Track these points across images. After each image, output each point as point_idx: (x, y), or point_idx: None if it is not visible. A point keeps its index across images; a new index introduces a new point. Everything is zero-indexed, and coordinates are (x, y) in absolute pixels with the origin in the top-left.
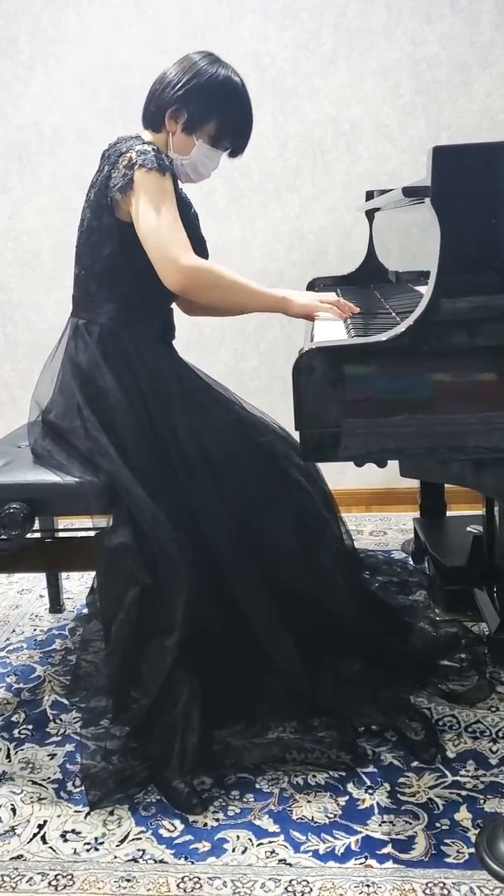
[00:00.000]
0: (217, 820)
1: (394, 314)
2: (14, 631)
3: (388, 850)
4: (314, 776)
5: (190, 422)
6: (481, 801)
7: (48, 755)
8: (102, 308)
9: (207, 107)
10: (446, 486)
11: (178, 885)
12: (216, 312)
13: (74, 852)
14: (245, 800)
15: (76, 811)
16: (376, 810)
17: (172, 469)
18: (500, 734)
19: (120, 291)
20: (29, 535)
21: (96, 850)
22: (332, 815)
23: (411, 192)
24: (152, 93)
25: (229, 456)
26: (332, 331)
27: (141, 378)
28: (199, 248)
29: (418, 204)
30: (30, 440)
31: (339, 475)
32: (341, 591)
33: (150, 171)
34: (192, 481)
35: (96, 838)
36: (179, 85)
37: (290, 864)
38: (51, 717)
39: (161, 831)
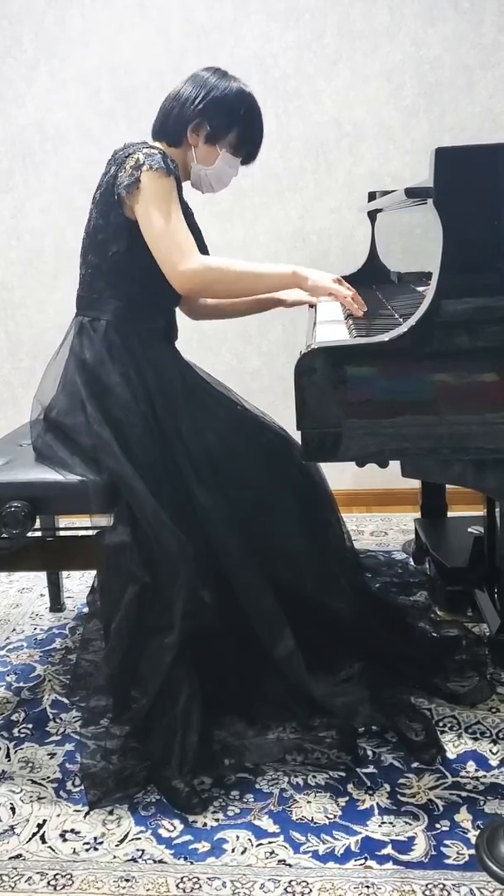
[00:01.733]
0: (217, 820)
1: (396, 315)
2: (14, 630)
3: (387, 850)
4: (314, 777)
5: (194, 420)
6: (481, 803)
7: (48, 754)
8: (108, 305)
9: (229, 118)
10: (447, 486)
11: (177, 886)
12: (223, 313)
13: (74, 852)
14: (245, 800)
15: (76, 810)
16: (376, 811)
17: (177, 466)
18: (501, 735)
19: (126, 289)
20: (30, 534)
21: (95, 849)
22: (331, 816)
23: (414, 194)
24: (168, 110)
25: (232, 455)
26: (334, 331)
27: (146, 375)
28: (202, 250)
29: (420, 205)
30: (32, 437)
31: (339, 475)
32: (343, 591)
33: (155, 172)
34: (196, 479)
35: (95, 838)
36: (199, 100)
37: (289, 865)
38: (51, 717)
39: (160, 831)
